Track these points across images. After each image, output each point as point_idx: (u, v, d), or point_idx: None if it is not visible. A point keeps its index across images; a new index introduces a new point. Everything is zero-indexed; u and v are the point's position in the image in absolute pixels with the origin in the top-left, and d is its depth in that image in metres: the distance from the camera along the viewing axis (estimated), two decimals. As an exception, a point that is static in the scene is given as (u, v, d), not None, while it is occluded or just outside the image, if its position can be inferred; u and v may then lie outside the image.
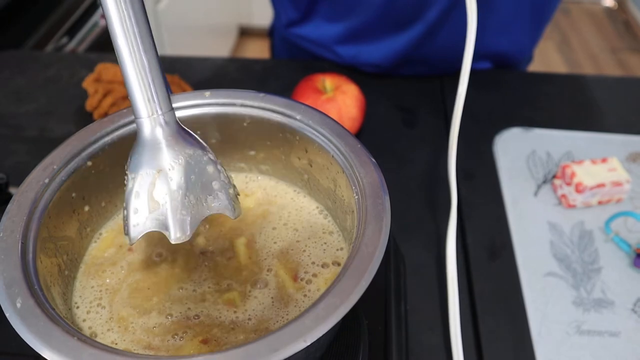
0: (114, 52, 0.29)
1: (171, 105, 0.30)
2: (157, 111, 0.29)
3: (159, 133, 0.29)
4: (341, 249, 0.36)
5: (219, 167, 0.31)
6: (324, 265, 0.35)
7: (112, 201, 0.37)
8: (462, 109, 0.49)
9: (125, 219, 0.30)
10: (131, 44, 0.28)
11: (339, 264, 0.35)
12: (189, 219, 0.30)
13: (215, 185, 0.31)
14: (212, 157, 0.31)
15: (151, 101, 0.29)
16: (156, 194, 0.29)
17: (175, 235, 0.29)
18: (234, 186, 0.32)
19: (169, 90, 0.30)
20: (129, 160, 0.30)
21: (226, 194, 0.31)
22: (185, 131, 0.30)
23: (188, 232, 0.30)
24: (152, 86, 0.28)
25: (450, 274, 0.47)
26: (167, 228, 0.29)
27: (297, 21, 0.77)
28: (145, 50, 0.28)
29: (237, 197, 0.32)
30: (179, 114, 0.37)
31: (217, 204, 0.31)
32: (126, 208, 0.30)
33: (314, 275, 0.34)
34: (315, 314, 0.24)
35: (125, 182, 0.30)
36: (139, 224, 0.30)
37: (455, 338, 0.44)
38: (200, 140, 0.31)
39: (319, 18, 0.75)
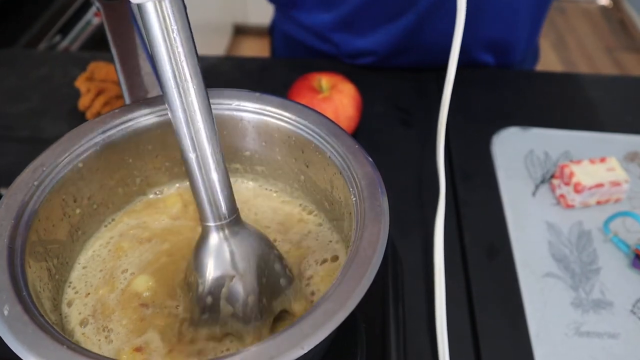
0: (107, 51, 0.28)
1: (236, 207, 0.29)
2: (224, 217, 0.29)
3: (228, 238, 0.29)
4: (336, 253, 0.35)
5: (283, 262, 0.31)
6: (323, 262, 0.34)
7: (104, 203, 0.37)
8: (449, 97, 0.48)
9: (195, 317, 0.30)
10: (196, 147, 0.27)
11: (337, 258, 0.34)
12: (264, 318, 0.30)
13: (283, 282, 0.31)
14: (277, 253, 0.31)
15: (219, 208, 0.28)
16: (228, 301, 0.29)
17: (249, 341, 0.29)
18: (296, 279, 0.32)
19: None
20: (195, 261, 0.30)
21: (290, 288, 0.31)
22: (250, 231, 0.30)
23: (263, 334, 0.30)
24: (219, 192, 0.28)
25: (438, 266, 0.46)
26: (239, 332, 0.30)
27: (290, 4, 0.77)
28: (213, 155, 0.27)
29: (300, 290, 0.32)
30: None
31: (284, 299, 0.31)
32: (197, 306, 0.30)
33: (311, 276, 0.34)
34: (312, 321, 0.23)
35: (192, 282, 0.30)
36: (209, 325, 0.30)
37: (442, 335, 0.44)
38: (265, 236, 0.31)
39: (311, 3, 0.74)
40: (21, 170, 0.31)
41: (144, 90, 0.38)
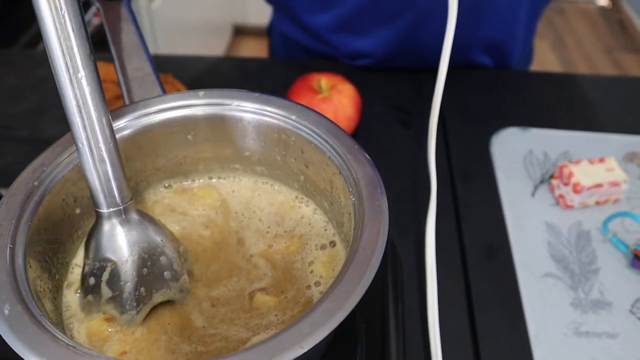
0: (107, 51, 0.29)
1: (130, 196, 0.31)
2: (115, 204, 0.30)
3: (117, 226, 0.30)
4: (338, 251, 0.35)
5: (171, 256, 0.32)
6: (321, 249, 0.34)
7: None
8: (440, 98, 0.48)
9: (80, 296, 0.32)
10: (88, 135, 0.28)
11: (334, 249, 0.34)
12: (140, 307, 0.31)
13: (167, 275, 0.32)
14: (166, 250, 0.32)
15: (110, 195, 0.30)
16: (109, 284, 0.31)
17: (123, 322, 0.31)
18: (185, 273, 0.33)
19: (125, 179, 0.30)
20: (87, 243, 0.31)
21: (176, 282, 0.32)
22: (142, 221, 0.31)
23: (137, 320, 0.31)
24: (111, 179, 0.29)
25: (429, 266, 0.46)
26: (116, 314, 0.31)
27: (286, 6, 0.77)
28: (104, 141, 0.28)
29: (186, 284, 0.33)
30: (172, 114, 0.36)
31: (167, 292, 0.32)
32: (81, 286, 0.32)
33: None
34: (312, 320, 0.24)
35: (84, 258, 0.31)
36: (90, 305, 0.31)
37: (434, 335, 0.44)
38: (159, 228, 0.32)
39: (309, 4, 0.74)
40: (21, 171, 0.31)
41: (143, 90, 0.39)
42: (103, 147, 0.29)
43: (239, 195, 0.39)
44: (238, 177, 0.40)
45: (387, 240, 0.28)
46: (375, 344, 0.38)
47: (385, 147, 0.65)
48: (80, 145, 0.28)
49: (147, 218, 0.32)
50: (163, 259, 0.32)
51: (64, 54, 0.26)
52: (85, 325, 0.31)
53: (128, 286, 0.30)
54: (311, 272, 0.34)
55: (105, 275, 0.30)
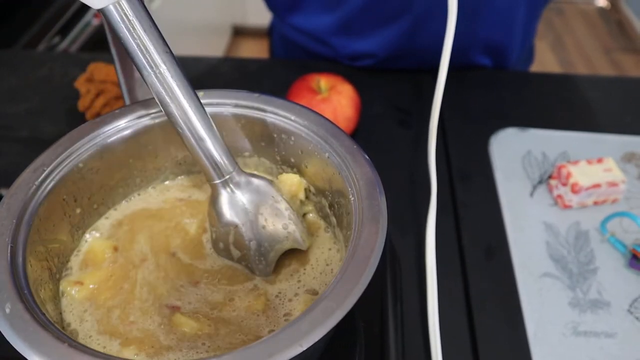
0: (107, 52, 0.30)
1: (235, 164, 0.33)
2: (223, 174, 0.33)
3: (230, 193, 0.33)
4: (337, 250, 0.35)
5: (286, 205, 0.34)
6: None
7: (105, 203, 0.37)
8: (441, 96, 0.48)
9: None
10: (185, 122, 0.31)
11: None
12: (266, 260, 0.34)
13: (284, 223, 0.34)
14: (279, 199, 0.34)
15: (217, 167, 0.32)
16: (236, 245, 0.34)
17: (258, 274, 0.34)
18: (302, 221, 0.35)
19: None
20: (209, 212, 0.34)
21: (296, 231, 0.34)
22: (251, 183, 0.34)
23: (270, 270, 0.34)
24: (214, 154, 0.32)
25: (430, 266, 0.47)
26: (251, 267, 0.34)
27: (288, 9, 0.77)
28: (200, 122, 0.31)
29: (305, 230, 0.35)
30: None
31: (290, 241, 0.34)
32: (214, 248, 0.35)
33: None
34: (311, 318, 0.24)
35: (210, 227, 0.35)
36: (223, 253, 0.35)
37: (434, 334, 0.44)
38: (268, 184, 0.34)
39: (310, 8, 0.74)
40: (21, 171, 0.31)
41: (143, 91, 0.39)
42: (200, 127, 0.31)
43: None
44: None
45: (386, 240, 0.28)
46: (374, 343, 0.39)
47: (385, 148, 0.65)
48: (180, 130, 0.31)
49: (255, 179, 0.34)
50: (278, 212, 0.34)
51: (143, 54, 0.29)
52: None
53: (253, 243, 0.33)
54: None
55: (231, 238, 0.33)
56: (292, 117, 0.35)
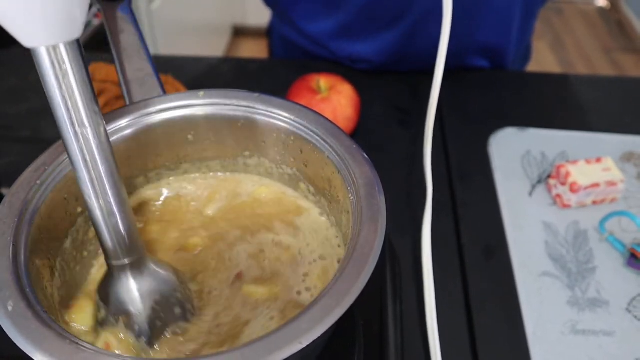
0: (107, 52, 0.29)
1: (142, 246, 0.30)
2: (127, 256, 0.29)
3: (129, 278, 0.29)
4: (338, 246, 0.36)
5: (187, 306, 0.32)
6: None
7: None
8: (437, 98, 0.49)
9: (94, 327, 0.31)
10: (97, 191, 0.27)
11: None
12: (154, 340, 0.30)
13: (179, 313, 0.31)
14: (179, 297, 0.31)
15: (121, 247, 0.28)
16: (120, 335, 0.30)
17: (136, 349, 0.30)
18: (195, 311, 0.33)
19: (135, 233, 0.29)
20: (99, 292, 0.31)
21: (189, 317, 0.32)
22: (156, 271, 0.31)
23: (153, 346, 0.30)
24: (122, 232, 0.28)
25: (426, 267, 0.47)
26: (132, 342, 0.30)
27: (287, 10, 0.77)
28: (113, 194, 0.27)
29: (195, 316, 0.32)
30: (173, 114, 0.37)
31: (179, 326, 0.31)
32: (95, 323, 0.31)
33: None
34: (310, 316, 0.24)
35: (95, 307, 0.31)
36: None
37: (433, 333, 0.44)
38: (171, 277, 0.31)
39: (308, 10, 0.75)
40: (22, 170, 0.32)
41: (144, 91, 0.39)
42: (112, 201, 0.27)
43: (239, 194, 0.40)
44: (237, 176, 0.41)
45: (386, 240, 0.28)
46: (373, 342, 0.39)
47: (384, 147, 0.66)
48: (88, 200, 0.27)
49: (160, 268, 0.31)
50: (177, 310, 0.31)
51: (68, 109, 0.25)
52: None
53: (144, 327, 0.30)
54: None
55: (121, 325, 0.30)
56: (292, 117, 0.35)
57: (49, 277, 0.30)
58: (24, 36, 0.22)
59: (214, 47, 2.26)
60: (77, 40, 0.24)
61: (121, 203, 0.28)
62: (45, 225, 0.31)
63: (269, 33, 0.94)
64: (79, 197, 0.34)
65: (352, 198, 0.31)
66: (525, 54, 0.87)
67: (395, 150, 0.65)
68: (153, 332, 0.30)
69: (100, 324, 0.31)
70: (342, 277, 0.26)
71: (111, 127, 0.35)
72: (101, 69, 0.66)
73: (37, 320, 0.24)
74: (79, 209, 0.34)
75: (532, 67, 0.92)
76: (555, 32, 2.61)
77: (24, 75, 0.77)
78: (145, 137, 0.37)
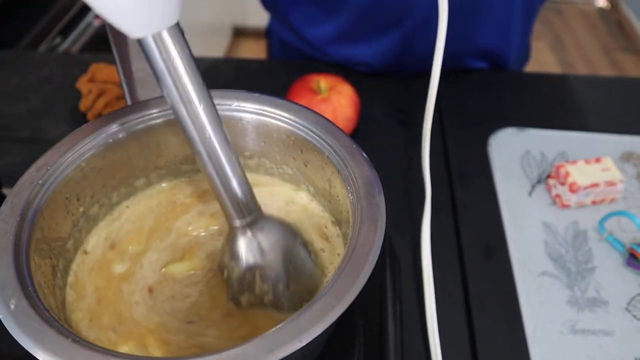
0: (108, 52, 0.29)
1: (258, 205, 0.31)
2: (246, 215, 0.31)
3: (252, 235, 0.31)
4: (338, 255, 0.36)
5: (308, 248, 0.33)
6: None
7: (107, 202, 0.37)
8: (434, 101, 0.49)
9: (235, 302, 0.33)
10: (213, 164, 0.29)
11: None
12: (294, 305, 0.32)
13: (309, 267, 0.33)
14: (301, 241, 0.33)
15: (242, 209, 0.30)
16: (258, 289, 0.32)
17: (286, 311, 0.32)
18: (320, 260, 0.35)
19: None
20: (230, 255, 0.32)
21: (319, 272, 0.33)
22: (273, 226, 0.32)
23: (297, 307, 0.32)
24: (238, 193, 0.30)
25: (426, 268, 0.47)
26: (276, 310, 0.32)
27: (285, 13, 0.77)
28: (228, 162, 0.29)
29: (324, 271, 0.34)
30: (173, 114, 0.37)
31: (315, 285, 0.33)
32: (235, 294, 0.32)
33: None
34: (310, 315, 0.24)
35: (225, 269, 0.32)
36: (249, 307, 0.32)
37: (433, 333, 0.44)
38: (290, 225, 0.33)
39: (306, 16, 0.75)
40: (23, 171, 0.32)
41: (145, 91, 0.39)
42: (227, 168, 0.29)
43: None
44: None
45: (385, 240, 0.28)
46: (373, 341, 0.39)
47: (384, 148, 0.66)
48: (206, 169, 0.29)
49: (276, 221, 0.33)
50: (302, 252, 0.33)
51: (177, 90, 0.26)
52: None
53: (279, 286, 0.32)
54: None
55: (256, 280, 0.31)
56: (292, 117, 0.36)
57: (50, 276, 0.31)
58: (131, 28, 0.24)
59: (214, 48, 2.26)
60: (177, 24, 0.26)
61: (235, 167, 0.29)
62: (47, 224, 0.31)
63: (268, 35, 0.94)
64: (81, 197, 0.34)
65: (351, 198, 0.31)
66: (524, 55, 0.87)
67: (395, 151, 0.65)
68: (291, 286, 0.32)
69: (238, 285, 0.32)
70: (341, 276, 0.26)
71: (112, 128, 0.35)
72: (102, 70, 0.67)
73: (39, 318, 0.24)
74: (81, 209, 0.35)
75: (532, 67, 0.92)
76: (555, 32, 2.61)
77: (24, 75, 0.77)
78: (146, 137, 0.37)
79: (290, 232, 0.33)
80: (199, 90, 0.27)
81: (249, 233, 0.31)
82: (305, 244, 0.33)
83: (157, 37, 0.25)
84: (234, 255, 0.32)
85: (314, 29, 0.76)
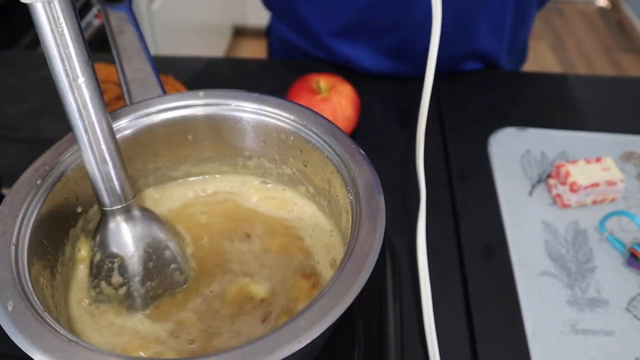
0: (108, 52, 0.30)
1: (133, 194, 0.32)
2: (119, 202, 0.31)
3: (121, 222, 0.32)
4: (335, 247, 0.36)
5: (175, 250, 0.34)
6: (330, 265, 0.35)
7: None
8: (429, 101, 0.49)
9: (89, 290, 0.33)
10: (90, 137, 0.29)
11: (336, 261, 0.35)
12: (147, 300, 0.32)
13: (173, 266, 0.33)
14: (170, 240, 0.33)
15: (113, 193, 0.31)
16: (115, 279, 0.32)
17: (131, 314, 0.32)
18: (188, 259, 0.35)
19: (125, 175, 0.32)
20: (93, 239, 0.33)
21: (182, 273, 0.34)
22: (146, 217, 0.33)
23: (147, 310, 0.33)
24: (113, 178, 0.31)
25: (422, 267, 0.47)
26: (127, 306, 0.32)
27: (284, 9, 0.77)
28: (105, 142, 0.29)
29: (192, 269, 0.35)
30: (172, 114, 0.37)
31: (174, 282, 0.33)
32: (91, 280, 0.33)
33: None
34: (310, 315, 0.24)
35: (90, 251, 0.33)
36: (98, 297, 0.33)
37: (431, 334, 0.44)
38: (161, 223, 0.34)
39: (308, 12, 0.75)
40: (22, 171, 0.32)
41: (144, 91, 0.39)
42: (104, 148, 0.30)
43: (239, 194, 0.40)
44: (237, 176, 0.41)
45: (385, 240, 0.28)
46: (373, 342, 0.39)
47: (384, 147, 0.66)
48: (83, 147, 0.29)
49: (149, 214, 0.33)
50: (167, 253, 0.33)
51: (63, 62, 0.27)
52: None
53: (135, 280, 0.32)
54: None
55: (113, 270, 0.32)
56: (292, 117, 0.36)
57: (49, 277, 0.30)
58: None
59: (214, 48, 2.26)
60: None
61: (113, 151, 0.30)
62: (45, 225, 0.31)
63: (268, 34, 0.94)
64: (80, 197, 0.34)
65: (351, 197, 0.31)
66: (521, 57, 0.88)
67: (395, 150, 0.65)
68: (147, 282, 0.32)
69: (96, 270, 0.32)
70: (341, 276, 0.26)
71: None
72: (102, 69, 0.67)
73: (37, 320, 0.24)
74: (79, 209, 0.35)
75: (532, 67, 0.92)
76: (556, 32, 2.61)
77: (24, 76, 0.77)
78: (145, 138, 0.37)
79: (159, 229, 0.33)
80: (84, 65, 0.27)
81: (117, 221, 0.32)
82: (172, 245, 0.33)
83: (47, 5, 0.25)
84: (98, 239, 0.32)
85: (317, 22, 0.76)
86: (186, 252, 0.35)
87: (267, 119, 0.36)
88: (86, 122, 0.29)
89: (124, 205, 0.32)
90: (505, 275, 0.51)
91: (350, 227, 0.29)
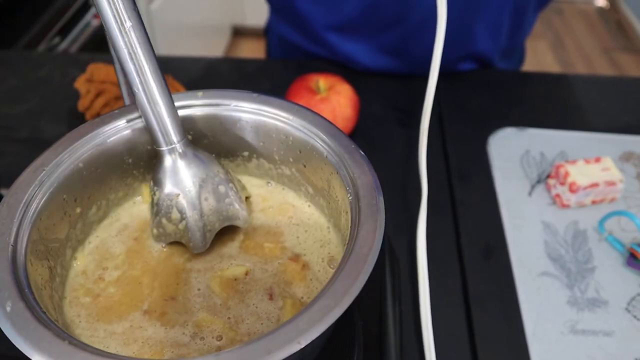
0: (107, 52, 0.30)
1: (184, 134, 0.34)
2: (172, 142, 0.33)
3: (177, 160, 0.34)
4: (336, 246, 0.36)
5: (230, 184, 0.35)
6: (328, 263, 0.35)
7: (104, 203, 0.37)
8: (432, 102, 0.49)
9: (151, 227, 0.35)
10: (142, 79, 0.31)
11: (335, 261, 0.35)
12: (206, 233, 0.34)
13: (227, 200, 0.35)
14: (222, 177, 0.35)
15: (167, 134, 0.33)
16: (174, 215, 0.34)
17: (194, 249, 0.34)
18: (242, 198, 0.36)
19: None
20: (153, 179, 0.34)
21: (238, 209, 0.35)
22: (199, 155, 0.35)
23: (206, 245, 0.35)
24: (167, 120, 0.32)
25: (421, 266, 0.47)
26: (187, 241, 0.34)
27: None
28: (156, 84, 0.31)
29: (246, 207, 0.36)
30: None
31: (229, 216, 0.35)
32: (153, 219, 0.35)
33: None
34: (309, 316, 0.24)
35: (151, 192, 0.35)
36: (162, 236, 0.35)
37: (427, 334, 0.44)
38: (214, 161, 0.35)
39: (307, 8, 0.75)
40: (21, 171, 0.32)
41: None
42: (155, 90, 0.31)
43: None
44: (236, 176, 0.41)
45: (385, 240, 0.28)
46: (373, 342, 0.39)
47: (383, 147, 0.66)
48: (136, 90, 0.31)
49: (203, 154, 0.35)
50: (222, 188, 0.35)
51: (111, 7, 0.29)
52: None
53: (194, 214, 0.34)
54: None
55: (172, 207, 0.34)
56: (291, 117, 0.35)
57: (47, 278, 0.30)
58: None
59: (213, 48, 2.26)
60: None
61: (164, 92, 0.32)
62: (44, 225, 0.31)
63: (267, 33, 0.94)
64: (78, 198, 0.34)
65: (350, 198, 0.31)
66: (519, 58, 0.88)
67: (394, 150, 0.65)
68: (204, 217, 0.34)
69: (156, 208, 0.34)
70: (340, 276, 0.26)
71: (111, 127, 0.35)
72: (100, 70, 0.66)
73: (35, 320, 0.24)
74: (78, 210, 0.34)
75: (532, 66, 0.92)
76: (555, 32, 2.61)
77: (23, 76, 0.77)
78: (145, 138, 0.37)
79: (212, 167, 0.35)
80: (131, 10, 0.29)
81: (171, 159, 0.33)
82: (227, 181, 0.35)
83: None
84: (156, 180, 0.34)
85: (316, 16, 0.75)
86: (241, 194, 0.36)
87: (266, 119, 0.36)
88: (137, 65, 0.30)
89: (176, 144, 0.33)
90: (505, 276, 0.51)
91: (349, 228, 0.29)
